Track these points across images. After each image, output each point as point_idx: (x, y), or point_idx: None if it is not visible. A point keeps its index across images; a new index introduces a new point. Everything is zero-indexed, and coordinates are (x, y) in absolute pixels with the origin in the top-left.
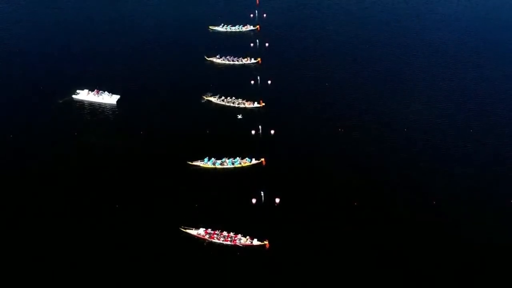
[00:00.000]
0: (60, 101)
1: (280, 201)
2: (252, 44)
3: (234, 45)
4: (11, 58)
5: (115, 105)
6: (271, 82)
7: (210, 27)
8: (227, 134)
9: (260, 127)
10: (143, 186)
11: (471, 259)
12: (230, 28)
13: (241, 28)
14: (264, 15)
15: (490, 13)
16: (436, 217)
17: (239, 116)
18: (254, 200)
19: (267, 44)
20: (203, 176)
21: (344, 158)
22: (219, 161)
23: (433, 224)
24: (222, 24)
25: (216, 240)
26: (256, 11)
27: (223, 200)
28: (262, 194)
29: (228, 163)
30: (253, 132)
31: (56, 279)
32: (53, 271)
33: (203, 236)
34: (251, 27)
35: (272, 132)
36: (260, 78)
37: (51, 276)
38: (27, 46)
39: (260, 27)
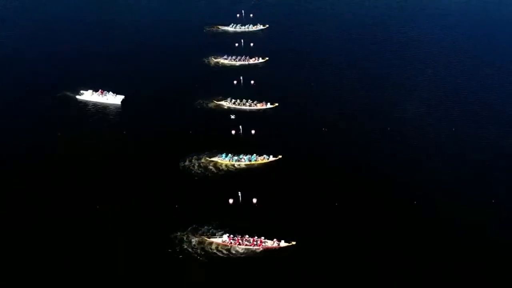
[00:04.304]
0: (58, 95)
1: (257, 201)
2: (236, 44)
3: (225, 44)
4: (12, 58)
5: (120, 106)
6: (254, 82)
7: (219, 27)
8: (224, 134)
9: (240, 127)
10: (139, 187)
11: (453, 259)
12: (240, 28)
13: (251, 28)
14: (251, 15)
15: (477, 9)
16: (417, 217)
17: (232, 117)
18: (231, 200)
19: (252, 44)
20: (202, 177)
21: (326, 158)
22: (236, 157)
23: (414, 224)
24: (232, 24)
25: (241, 246)
26: (243, 11)
27: (209, 200)
28: (240, 195)
29: (245, 160)
30: (233, 132)
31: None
32: (41, 274)
33: (227, 243)
34: (261, 26)
35: (253, 132)
36: (243, 78)
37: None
38: (28, 46)
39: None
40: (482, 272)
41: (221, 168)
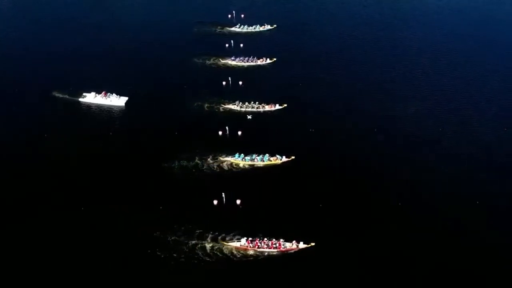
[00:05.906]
0: (59, 97)
1: (241, 202)
2: (227, 45)
3: (214, 45)
4: (12, 59)
5: (124, 107)
6: (242, 84)
7: (226, 28)
8: (217, 135)
9: (227, 128)
10: (137, 187)
11: (438, 260)
12: (247, 29)
13: (259, 28)
14: (242, 15)
15: (464, 8)
16: (400, 218)
17: (249, 117)
18: (215, 201)
19: (241, 45)
20: (207, 178)
21: (313, 159)
22: (248, 157)
23: (397, 225)
24: (239, 24)
25: (260, 249)
26: (234, 12)
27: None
28: (224, 195)
29: (258, 160)
30: (220, 133)
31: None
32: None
33: (246, 246)
34: (269, 27)
35: (240, 133)
36: (231, 79)
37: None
38: (28, 48)
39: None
40: (469, 272)
41: (229, 168)
